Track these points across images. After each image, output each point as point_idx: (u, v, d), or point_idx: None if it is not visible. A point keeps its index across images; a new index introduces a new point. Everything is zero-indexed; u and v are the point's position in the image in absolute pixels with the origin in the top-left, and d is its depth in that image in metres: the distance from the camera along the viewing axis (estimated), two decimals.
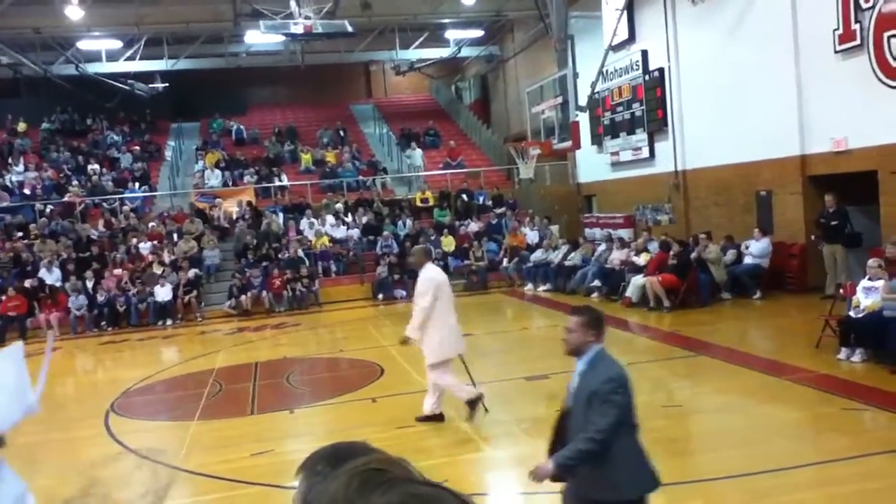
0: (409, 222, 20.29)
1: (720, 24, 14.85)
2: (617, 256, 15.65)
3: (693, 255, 13.82)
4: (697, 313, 12.88)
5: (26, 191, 21.56)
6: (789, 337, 10.77)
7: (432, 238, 19.55)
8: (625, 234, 17.61)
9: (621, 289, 14.59)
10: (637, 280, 13.91)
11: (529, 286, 17.68)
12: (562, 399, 8.06)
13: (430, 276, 7.33)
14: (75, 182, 22.05)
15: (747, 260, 13.82)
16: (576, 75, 17.39)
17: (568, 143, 17.49)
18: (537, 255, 18.13)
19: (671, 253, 13.84)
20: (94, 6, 20.04)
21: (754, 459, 5.81)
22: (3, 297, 16.32)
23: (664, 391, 8.52)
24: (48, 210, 20.45)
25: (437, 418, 7.47)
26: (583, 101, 17.50)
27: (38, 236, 18.81)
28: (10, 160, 23.32)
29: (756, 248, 13.68)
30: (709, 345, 10.42)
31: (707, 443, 6.68)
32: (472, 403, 7.35)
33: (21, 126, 25.74)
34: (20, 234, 19.03)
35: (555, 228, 19.70)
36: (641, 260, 14.67)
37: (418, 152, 24.40)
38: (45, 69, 23.56)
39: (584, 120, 18.46)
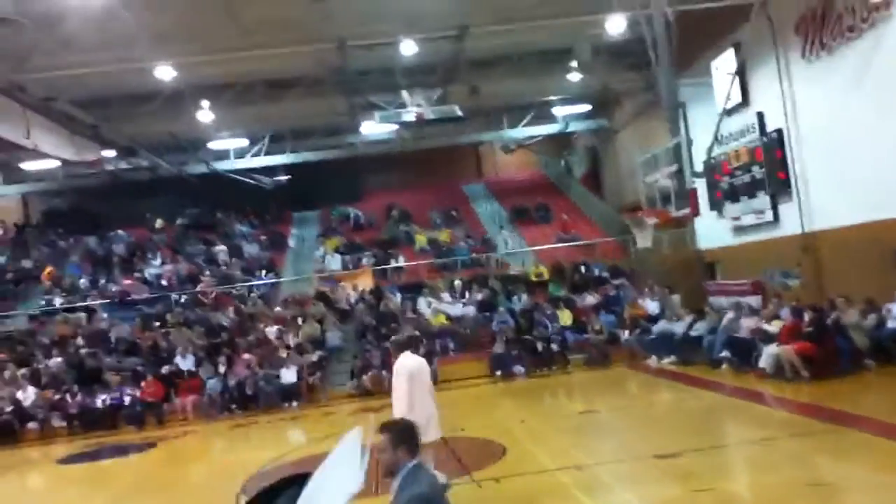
0: (524, 297, 20.18)
1: (837, 79, 14.32)
2: (746, 325, 14.91)
3: (830, 320, 12.99)
4: (839, 383, 11.99)
5: (163, 282, 23.02)
6: None
7: (548, 312, 19.35)
8: (753, 301, 16.80)
9: (753, 359, 13.83)
10: (770, 349, 13.16)
11: (653, 359, 17.06)
12: (698, 477, 7.66)
13: (403, 363, 7.74)
14: (207, 272, 23.35)
15: (891, 324, 12.85)
16: (690, 142, 17.09)
17: (686, 211, 17.07)
18: (660, 326, 17.55)
19: (806, 319, 13.07)
20: (223, 109, 21.61)
21: None
22: (143, 384, 17.25)
23: (807, 469, 7.91)
24: (183, 300, 21.71)
25: None
26: (698, 167, 17.13)
27: (174, 325, 19.93)
28: (149, 255, 25.05)
29: None
30: (855, 417, 9.65)
31: None
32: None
33: (159, 223, 27.72)
34: (158, 323, 20.22)
35: (676, 298, 19.07)
36: (773, 327, 13.91)
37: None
38: (179, 169, 25.45)
39: (701, 186, 18.01)
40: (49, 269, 24.44)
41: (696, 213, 17.20)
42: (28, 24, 14.55)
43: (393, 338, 9.28)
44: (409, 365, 7.69)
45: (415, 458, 3.45)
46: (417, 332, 10.55)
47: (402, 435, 3.56)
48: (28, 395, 17.00)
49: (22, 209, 30.77)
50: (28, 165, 24.33)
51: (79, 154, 19.64)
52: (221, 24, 15.83)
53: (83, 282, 23.58)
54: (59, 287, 23.23)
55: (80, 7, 13.71)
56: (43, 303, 22.63)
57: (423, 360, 8.10)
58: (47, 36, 15.04)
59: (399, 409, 7.52)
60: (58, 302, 22.28)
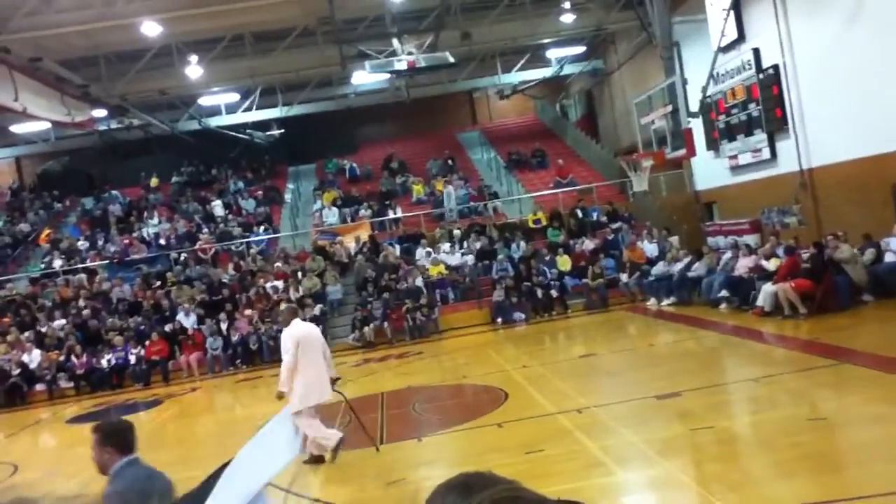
0: (522, 244, 20.21)
1: (835, 13, 14.09)
2: (744, 264, 14.95)
3: (827, 256, 13.03)
4: (837, 318, 12.09)
5: (161, 241, 23.02)
6: None
7: (547, 258, 19.39)
8: (751, 240, 16.82)
9: (752, 298, 13.91)
10: (768, 287, 13.22)
11: (652, 301, 17.16)
12: (698, 416, 7.76)
13: (291, 332, 7.98)
14: (205, 230, 23.33)
15: (888, 258, 12.89)
16: (685, 81, 16.89)
17: (682, 152, 16.97)
18: (659, 269, 17.60)
19: (804, 256, 13.10)
20: (212, 64, 21.32)
21: None
22: (148, 343, 17.39)
23: (807, 404, 8.02)
24: (182, 258, 21.75)
25: (319, 460, 7.95)
26: (694, 107, 16.96)
27: (174, 283, 19.99)
28: (145, 214, 25.01)
29: None
30: (853, 352, 9.75)
31: (860, 457, 6.19)
32: (335, 449, 7.86)
33: (154, 181, 27.60)
34: (158, 282, 20.28)
35: (675, 240, 19.08)
36: (771, 265, 13.96)
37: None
38: (171, 127, 25.22)
39: (697, 126, 17.87)
40: (47, 231, 24.43)
41: (692, 153, 17.13)
42: None
43: (282, 306, 9.86)
44: (294, 333, 7.96)
45: (126, 455, 3.50)
46: (295, 302, 10.65)
47: (109, 434, 3.56)
48: (34, 357, 17.16)
49: (16, 172, 30.62)
50: (19, 128, 24.12)
51: (70, 115, 19.43)
52: None
53: (82, 243, 23.58)
54: (57, 249, 23.24)
55: None
56: (43, 265, 22.67)
57: (311, 326, 8.60)
58: None
59: (283, 375, 7.91)
60: (57, 264, 22.31)
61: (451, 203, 23.05)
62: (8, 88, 15.83)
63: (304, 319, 9.09)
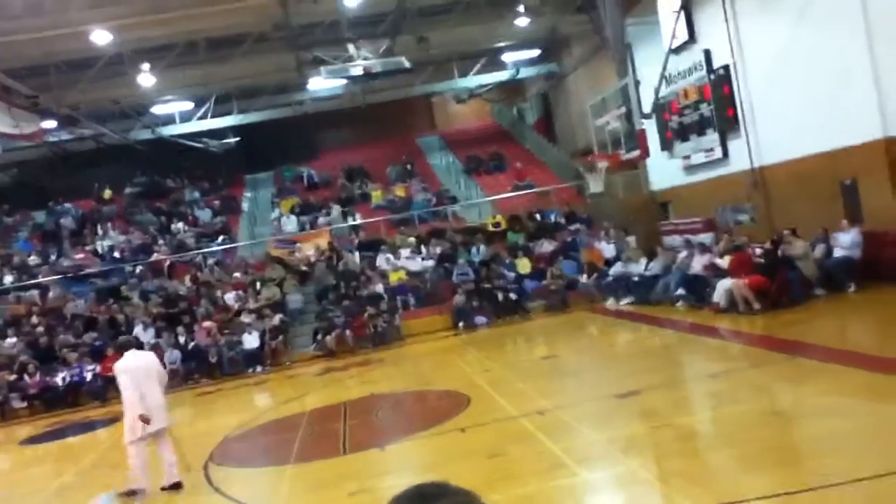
0: (482, 248, 20.26)
1: (784, 13, 14.40)
2: (699, 262, 15.20)
3: (779, 252, 13.29)
4: (791, 313, 12.34)
5: (116, 254, 22.56)
6: (893, 329, 10.19)
7: (506, 261, 19.46)
8: (706, 238, 17.09)
9: (707, 295, 14.13)
10: (723, 284, 13.44)
11: (611, 301, 17.33)
12: (658, 414, 7.85)
13: (121, 363, 8.30)
14: (161, 241, 22.93)
15: (837, 253, 13.20)
16: (637, 83, 17.14)
17: (637, 153, 17.20)
18: (616, 269, 17.79)
19: (757, 252, 13.34)
20: (165, 72, 20.99)
21: (871, 462, 5.46)
22: (104, 359, 17.00)
23: (765, 398, 8.17)
24: (137, 271, 21.32)
25: (177, 486, 8.07)
26: (647, 108, 17.20)
27: (127, 298, 19.59)
28: (99, 227, 24.48)
29: (845, 240, 13.05)
30: (806, 345, 9.96)
31: (817, 448, 6.30)
32: (131, 493, 7.99)
33: (107, 193, 27.04)
34: (112, 298, 19.83)
35: (632, 240, 19.31)
36: (725, 263, 14.20)
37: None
38: (124, 137, 24.77)
39: (650, 127, 18.12)
40: None
41: (646, 154, 17.36)
42: None
43: (117, 340, 10.11)
44: (125, 365, 8.25)
45: None
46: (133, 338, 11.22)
47: None
48: None
49: None
50: None
51: (17, 127, 18.94)
52: None
53: (33, 258, 22.99)
54: (8, 265, 22.62)
55: None
56: None
57: (147, 356, 8.90)
58: None
59: (124, 405, 8.25)
60: (8, 280, 21.71)
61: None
62: None
63: (141, 348, 9.72)
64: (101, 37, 16.54)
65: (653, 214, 21.03)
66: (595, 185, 18.84)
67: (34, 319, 19.05)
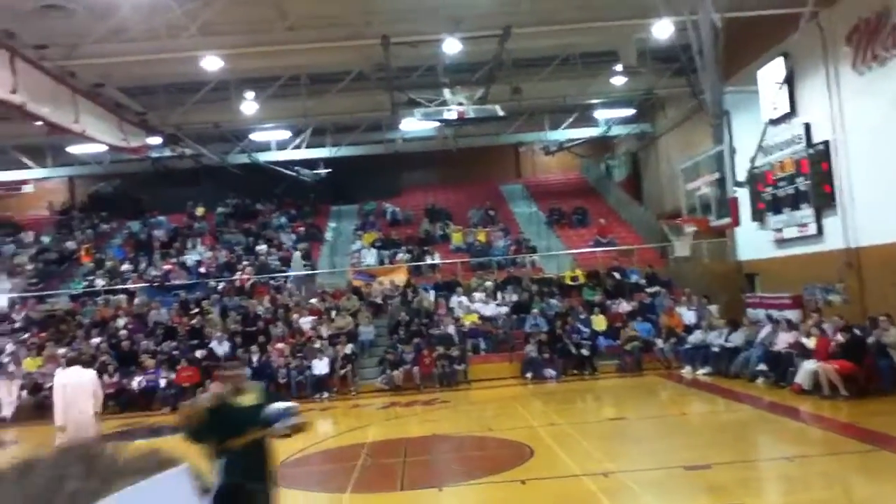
0: (557, 300, 20.07)
1: (889, 92, 13.98)
2: (784, 339, 14.65)
3: (871, 338, 12.70)
4: (879, 402, 11.72)
5: (202, 269, 23.37)
6: None
7: (582, 316, 19.21)
8: (792, 315, 16.49)
9: (790, 374, 13.58)
10: (808, 365, 12.91)
11: (687, 369, 16.85)
12: (727, 491, 7.56)
13: (59, 377, 9.44)
14: (245, 262, 23.65)
15: None
16: (733, 151, 16.84)
17: (727, 220, 16.82)
18: (696, 337, 17.33)
19: (839, 337, 12.79)
20: (267, 101, 21.89)
21: None
22: (178, 368, 17.52)
23: (840, 489, 7.76)
24: (220, 287, 22.03)
25: None
26: (741, 177, 16.86)
27: (207, 311, 20.21)
28: (188, 242, 25.46)
29: None
30: (893, 438, 9.43)
31: None
32: None
33: (200, 210, 28.16)
34: (195, 309, 20.53)
35: (714, 308, 18.79)
36: (812, 343, 13.65)
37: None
38: (221, 159, 25.82)
39: (743, 196, 17.73)
40: (86, 247, 25.05)
41: (736, 223, 16.95)
42: (80, 12, 14.89)
43: (69, 355, 11.18)
44: (62, 379, 9.20)
45: None
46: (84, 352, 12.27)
47: None
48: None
49: (68, 191, 31.48)
50: (75, 149, 24.87)
51: (125, 140, 20.01)
52: (269, 16, 16.03)
53: (124, 265, 24.05)
54: (101, 269, 23.73)
55: None
56: (85, 284, 23.13)
57: (85, 373, 9.59)
58: (98, 23, 15.36)
59: (55, 415, 9.16)
60: (99, 283, 22.75)
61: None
62: (70, 110, 16.39)
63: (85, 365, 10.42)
64: (211, 63, 17.37)
65: (737, 284, 20.45)
66: (681, 248, 18.51)
67: (119, 322, 19.85)
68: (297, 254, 23.86)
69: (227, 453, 4.77)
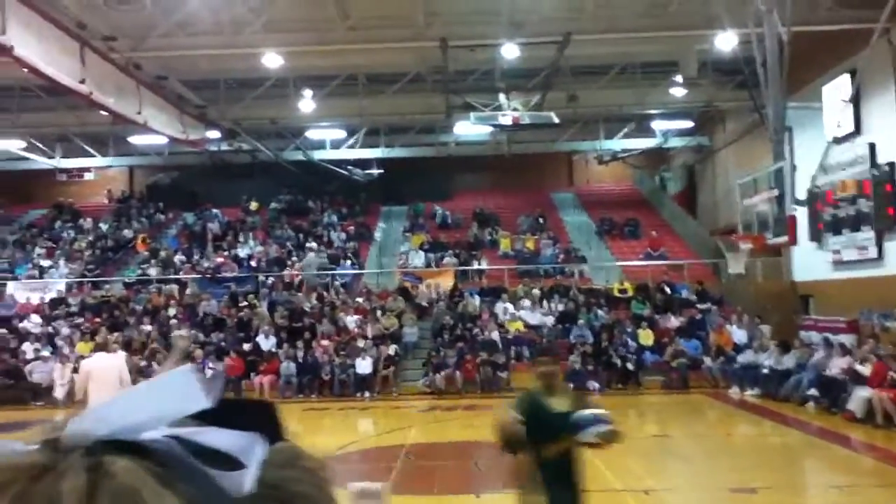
0: (604, 312, 19.83)
1: None
2: (838, 364, 14.21)
3: None
4: None
5: (252, 263, 23.74)
6: None
7: (628, 330, 18.93)
8: (847, 339, 15.99)
9: (842, 400, 13.16)
10: (862, 392, 12.50)
11: (735, 389, 16.47)
12: None
13: (86, 361, 9.37)
14: (295, 257, 23.93)
15: None
16: (793, 168, 16.42)
17: (784, 239, 16.40)
18: (746, 356, 16.93)
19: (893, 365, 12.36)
20: (324, 99, 22.14)
21: None
22: (226, 359, 17.80)
23: None
24: (269, 281, 22.32)
25: None
26: (801, 195, 16.44)
27: (257, 305, 20.50)
28: (241, 235, 25.88)
29: None
30: None
31: None
32: None
33: (254, 205, 28.61)
34: (245, 302, 20.84)
35: (766, 329, 18.32)
36: (867, 370, 13.21)
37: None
38: (277, 155, 26.19)
39: (801, 214, 17.28)
40: (142, 236, 25.67)
41: (794, 241, 16.51)
42: (148, 5, 15.27)
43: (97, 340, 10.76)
44: (89, 363, 9.33)
45: None
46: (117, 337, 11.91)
47: None
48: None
49: (128, 181, 32.31)
50: (137, 140, 25.51)
51: (185, 133, 20.44)
52: (331, 15, 16.21)
53: (178, 256, 24.56)
54: (155, 258, 24.27)
55: None
56: (139, 272, 23.68)
57: (111, 358, 9.52)
58: (166, 17, 15.73)
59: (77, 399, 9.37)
60: (153, 272, 23.26)
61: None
62: (133, 101, 16.80)
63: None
64: (272, 60, 17.64)
65: (791, 305, 19.92)
66: (735, 265, 18.11)
67: (170, 311, 20.26)
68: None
69: (542, 464, 4.39)
